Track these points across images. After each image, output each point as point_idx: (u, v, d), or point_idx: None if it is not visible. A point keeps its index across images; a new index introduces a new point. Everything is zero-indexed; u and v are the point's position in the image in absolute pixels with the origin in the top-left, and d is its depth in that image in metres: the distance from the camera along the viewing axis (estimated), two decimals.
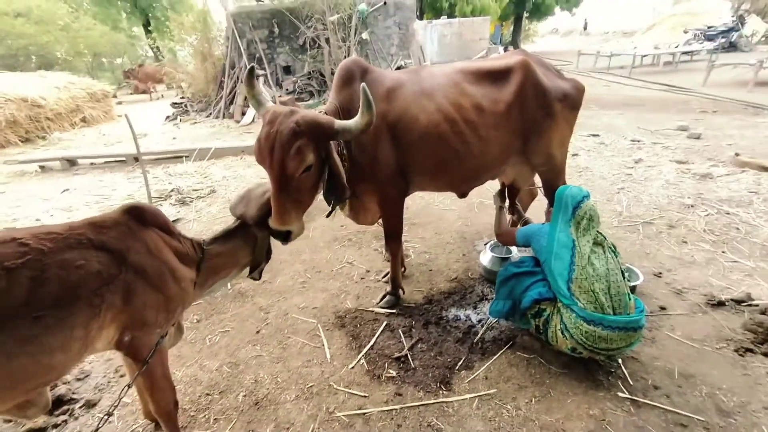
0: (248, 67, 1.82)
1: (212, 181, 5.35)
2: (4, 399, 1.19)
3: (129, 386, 1.47)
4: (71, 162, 6.38)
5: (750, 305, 2.28)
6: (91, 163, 6.54)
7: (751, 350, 2.01)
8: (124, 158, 6.39)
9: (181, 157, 6.28)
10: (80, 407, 2.05)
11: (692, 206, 3.56)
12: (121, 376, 2.26)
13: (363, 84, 1.61)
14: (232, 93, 9.48)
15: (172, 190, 4.99)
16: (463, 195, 2.58)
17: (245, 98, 9.31)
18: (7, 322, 1.10)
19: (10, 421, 1.96)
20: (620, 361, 2.02)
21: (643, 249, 3.00)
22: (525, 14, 21.75)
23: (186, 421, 1.93)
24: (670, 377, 1.93)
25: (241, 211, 1.78)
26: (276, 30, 9.72)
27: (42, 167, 6.31)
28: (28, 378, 1.20)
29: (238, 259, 1.79)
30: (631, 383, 1.90)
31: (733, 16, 15.66)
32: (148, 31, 21.62)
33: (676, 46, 13.56)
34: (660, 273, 2.69)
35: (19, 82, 8.63)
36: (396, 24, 10.73)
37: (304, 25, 9.40)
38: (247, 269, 1.89)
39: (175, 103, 10.66)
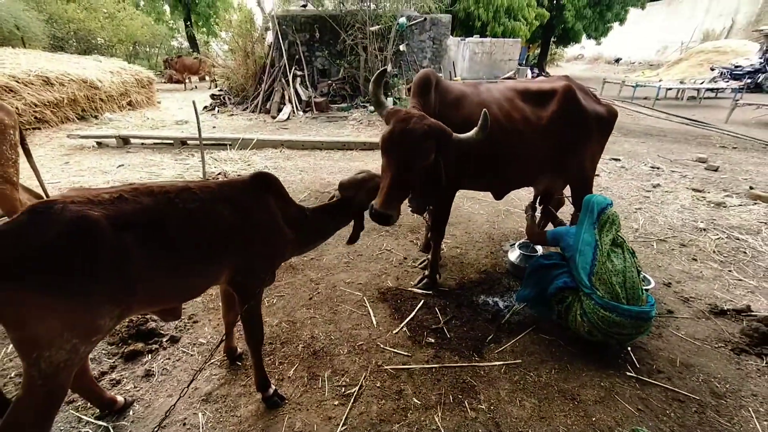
0: (381, 68, 2.16)
1: (254, 168, 5.80)
2: (167, 302, 1.61)
3: (241, 314, 1.84)
4: (125, 141, 6.91)
5: (749, 315, 2.58)
6: (142, 143, 7.07)
7: (745, 351, 2.31)
8: (171, 141, 6.90)
9: (224, 144, 6.76)
10: (166, 341, 2.45)
11: (704, 230, 3.86)
12: (195, 322, 2.65)
13: (485, 110, 1.94)
14: (270, 89, 10.02)
15: (219, 173, 5.44)
16: (499, 197, 2.93)
17: (282, 96, 9.85)
18: (184, 247, 1.49)
19: (110, 343, 2.36)
20: (629, 348, 2.33)
21: (655, 262, 3.31)
22: (553, 39, 22.17)
23: None
24: (672, 365, 2.24)
25: (350, 194, 2.04)
26: (317, 34, 10.28)
27: (99, 143, 6.86)
28: (183, 292, 1.61)
29: (329, 230, 2.12)
30: (638, 366, 2.22)
31: (761, 58, 15.81)
32: (187, 25, 22.60)
33: (702, 82, 13.79)
34: (669, 283, 3.00)
35: (78, 64, 9.30)
36: (430, 38, 11.23)
37: (345, 32, 9.93)
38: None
39: (215, 95, 11.26)
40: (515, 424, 1.89)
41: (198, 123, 4.54)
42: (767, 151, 6.94)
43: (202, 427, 1.89)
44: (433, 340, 2.44)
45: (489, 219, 4.18)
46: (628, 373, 2.17)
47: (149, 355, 2.33)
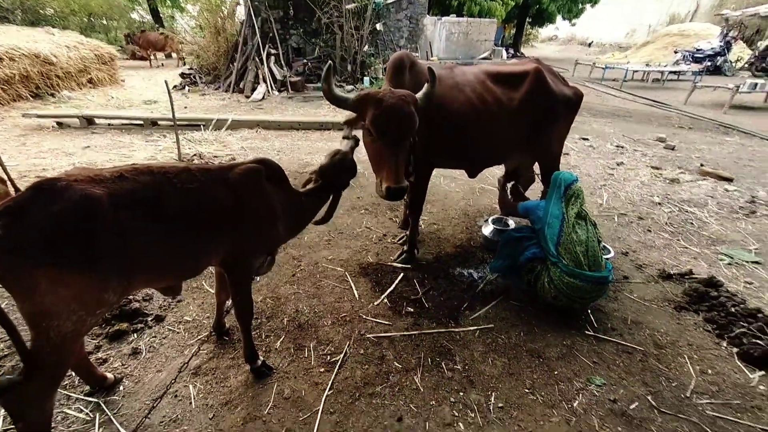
0: (327, 64, 2.08)
1: (231, 149, 5.70)
2: (167, 279, 1.68)
3: (232, 295, 1.91)
4: (89, 121, 6.58)
5: (690, 278, 2.88)
6: (109, 124, 6.75)
7: (685, 308, 2.61)
8: (141, 122, 6.63)
9: (197, 125, 6.56)
10: (152, 320, 2.49)
11: (659, 204, 4.19)
12: (179, 301, 2.69)
13: (430, 66, 2.06)
14: (243, 68, 9.69)
15: (194, 155, 5.33)
16: (473, 175, 3.06)
17: (256, 75, 9.56)
18: (184, 226, 1.54)
19: (102, 324, 2.39)
20: (589, 310, 2.58)
21: (616, 234, 3.59)
22: (528, 19, 22.31)
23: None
24: (624, 323, 2.50)
25: (333, 179, 2.08)
26: (291, 12, 9.93)
27: (59, 123, 6.50)
28: (182, 269, 1.67)
29: (315, 213, 2.17)
30: (596, 325, 2.47)
31: (721, 41, 16.57)
32: None
33: (665, 65, 14.36)
34: (627, 252, 3.28)
35: (28, 37, 8.63)
36: (407, 17, 11.08)
37: (320, 10, 9.64)
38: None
39: (184, 74, 10.76)
40: (487, 381, 2.09)
41: (171, 103, 4.40)
42: (719, 131, 7.44)
43: (194, 398, 1.98)
44: (412, 310, 2.60)
45: (464, 196, 4.35)
46: (586, 332, 2.40)
47: (135, 334, 2.37)
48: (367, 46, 10.14)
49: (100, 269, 1.31)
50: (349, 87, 9.80)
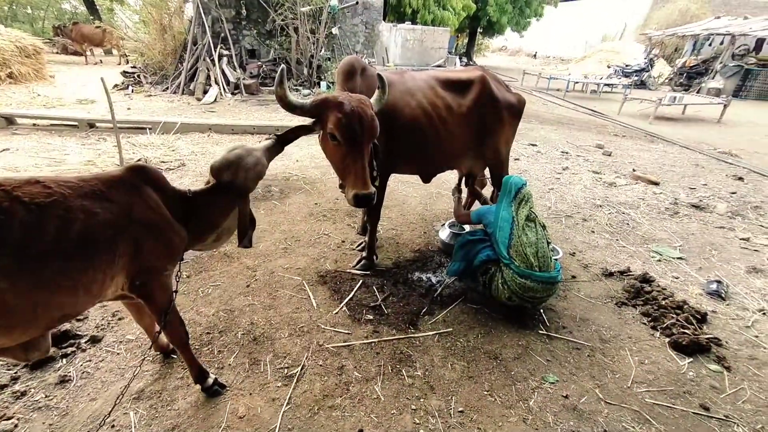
0: (281, 67, 1.94)
1: (180, 154, 5.36)
2: (26, 330, 1.31)
3: (158, 321, 1.71)
4: (9, 120, 5.88)
5: (628, 275, 3.13)
6: (34, 124, 6.08)
7: (625, 303, 2.82)
8: (76, 123, 6.04)
9: (143, 128, 6.10)
10: (86, 342, 2.25)
11: (600, 206, 4.52)
12: (120, 319, 2.47)
13: (379, 72, 2.07)
14: (193, 69, 9.18)
15: (138, 160, 4.94)
16: (427, 179, 3.10)
17: (207, 76, 9.10)
18: (43, 253, 1.22)
19: None
20: (542, 310, 2.70)
21: (564, 235, 3.81)
22: (479, 30, 23.34)
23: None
24: (573, 320, 2.65)
25: (228, 178, 1.78)
26: (244, 12, 9.58)
27: None
28: (53, 310, 1.32)
29: (215, 219, 1.87)
30: (548, 324, 2.58)
31: (645, 59, 18.43)
32: None
33: (601, 78, 15.67)
34: (574, 253, 3.49)
35: None
36: (363, 23, 11.15)
37: (274, 11, 9.41)
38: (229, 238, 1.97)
39: (127, 72, 9.98)
40: (447, 385, 2.10)
41: (110, 103, 4.04)
42: (646, 139, 8.23)
43: (135, 427, 1.80)
44: (371, 317, 2.57)
45: (422, 201, 4.42)
46: (540, 331, 2.51)
47: (63, 360, 2.12)
48: (323, 50, 10.05)
49: None
50: (306, 91, 9.63)
